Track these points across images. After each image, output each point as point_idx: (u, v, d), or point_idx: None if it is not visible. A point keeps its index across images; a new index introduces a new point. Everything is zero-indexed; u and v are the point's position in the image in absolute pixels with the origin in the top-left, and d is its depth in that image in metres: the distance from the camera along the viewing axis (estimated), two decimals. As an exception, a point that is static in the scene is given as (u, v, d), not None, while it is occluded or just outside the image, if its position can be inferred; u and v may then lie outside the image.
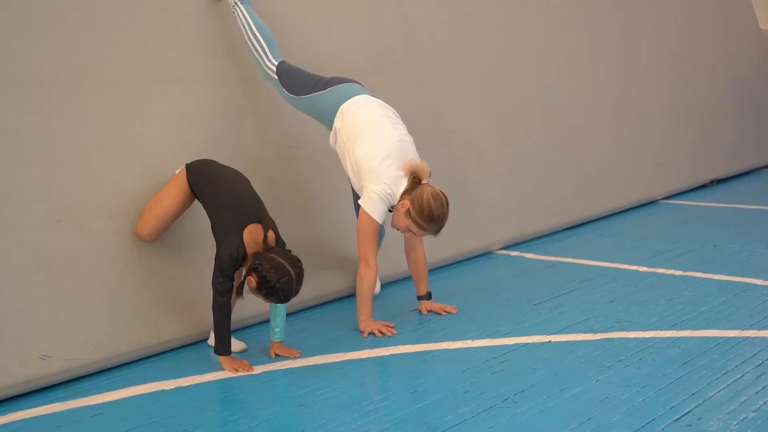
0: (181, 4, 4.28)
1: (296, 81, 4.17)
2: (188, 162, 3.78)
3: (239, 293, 3.48)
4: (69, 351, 3.47)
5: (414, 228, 3.84)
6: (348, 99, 4.02)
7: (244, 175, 3.79)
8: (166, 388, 3.38)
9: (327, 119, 4.11)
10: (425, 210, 3.77)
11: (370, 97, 4.07)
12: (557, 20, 6.62)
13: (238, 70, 4.43)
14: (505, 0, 6.19)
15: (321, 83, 4.12)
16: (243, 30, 4.27)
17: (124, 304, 3.70)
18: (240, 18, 4.27)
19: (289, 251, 3.50)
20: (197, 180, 3.70)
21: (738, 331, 3.78)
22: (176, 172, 3.81)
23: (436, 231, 3.87)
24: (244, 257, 3.46)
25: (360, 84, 4.17)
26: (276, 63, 4.20)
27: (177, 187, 3.74)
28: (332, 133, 4.08)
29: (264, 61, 4.22)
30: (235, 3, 4.29)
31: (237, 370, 3.50)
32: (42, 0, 3.79)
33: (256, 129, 4.43)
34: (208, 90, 4.28)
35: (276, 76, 4.19)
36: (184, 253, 3.93)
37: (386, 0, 5.28)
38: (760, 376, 3.28)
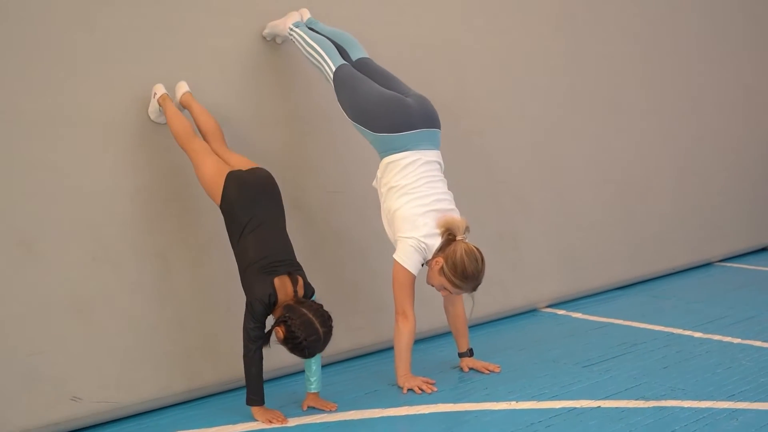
0: (230, 45, 4.37)
1: (350, 97, 4.10)
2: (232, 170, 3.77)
3: (265, 343, 3.49)
4: (100, 394, 3.51)
5: (449, 286, 3.85)
6: (393, 153, 3.97)
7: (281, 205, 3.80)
8: (197, 437, 3.41)
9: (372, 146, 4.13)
10: (459, 268, 3.78)
11: (418, 153, 3.97)
12: (615, 74, 6.63)
13: (282, 111, 4.51)
14: (559, 53, 6.22)
15: (377, 121, 4.00)
16: (300, 46, 4.28)
17: (156, 348, 3.74)
18: (296, 39, 4.29)
19: (321, 306, 3.51)
20: (229, 202, 3.67)
21: (800, 406, 3.71)
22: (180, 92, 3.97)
23: (472, 289, 3.87)
24: (275, 303, 3.49)
25: (424, 124, 4.03)
26: (334, 68, 4.16)
27: (213, 171, 3.76)
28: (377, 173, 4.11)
29: (325, 70, 4.19)
30: (291, 30, 4.31)
31: (271, 422, 3.51)
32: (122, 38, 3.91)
33: (298, 172, 4.48)
34: (252, 131, 4.35)
35: (332, 83, 4.16)
36: (219, 297, 3.97)
37: (438, 47, 5.35)
38: (824, 454, 3.21)
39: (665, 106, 7.05)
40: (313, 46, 4.22)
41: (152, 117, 3.99)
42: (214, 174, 3.74)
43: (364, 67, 4.26)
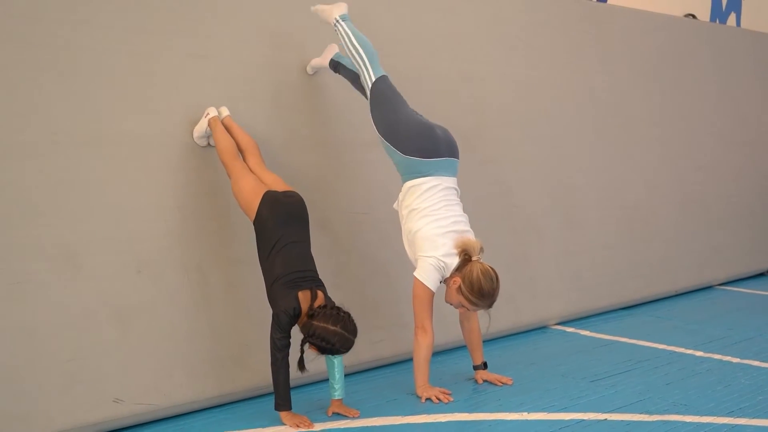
0: (264, 76, 4.42)
1: (385, 115, 4.07)
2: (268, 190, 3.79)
3: (301, 368, 3.52)
4: (139, 397, 3.54)
5: (466, 304, 3.86)
6: (416, 177, 3.99)
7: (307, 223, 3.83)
8: (228, 440, 3.43)
9: (396, 167, 4.12)
10: (476, 286, 3.79)
11: (439, 179, 3.98)
12: (623, 109, 6.64)
13: (312, 138, 4.54)
14: (571, 87, 6.24)
15: (407, 144, 3.97)
16: (343, 42, 4.22)
17: (192, 355, 3.77)
18: (341, 32, 4.23)
19: (327, 308, 3.53)
20: (263, 220, 3.70)
21: (796, 422, 3.69)
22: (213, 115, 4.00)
23: (488, 306, 3.88)
24: (299, 314, 3.53)
25: (448, 153, 4.04)
26: (374, 78, 4.13)
27: (250, 189, 3.80)
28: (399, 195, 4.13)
29: (365, 74, 4.15)
30: (337, 21, 4.26)
31: (298, 426, 3.52)
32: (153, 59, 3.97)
33: (326, 195, 4.51)
34: (284, 155, 4.38)
35: (369, 95, 4.12)
36: (250, 309, 3.99)
37: (457, 79, 5.38)
38: (820, 469, 3.19)
39: (669, 138, 7.04)
40: (357, 47, 4.16)
41: (196, 135, 4.04)
42: (251, 192, 3.78)
43: (387, 84, 4.21)
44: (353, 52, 4.18)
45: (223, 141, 3.95)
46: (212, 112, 4.04)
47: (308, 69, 4.58)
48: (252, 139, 4.09)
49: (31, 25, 3.68)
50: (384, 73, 4.17)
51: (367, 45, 4.19)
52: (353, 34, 4.20)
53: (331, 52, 4.49)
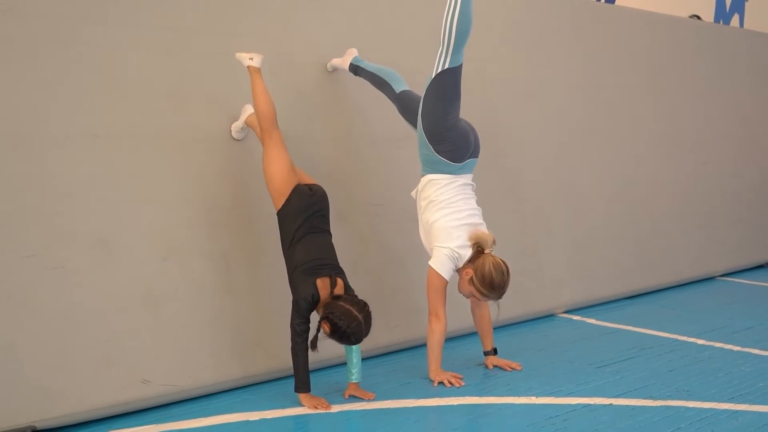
0: (287, 75, 4.42)
1: (438, 115, 3.91)
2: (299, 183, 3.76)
3: (313, 346, 3.49)
4: (167, 378, 3.56)
5: (477, 294, 3.86)
6: (436, 173, 3.97)
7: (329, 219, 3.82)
8: (250, 419, 3.43)
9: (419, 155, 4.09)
10: (487, 279, 3.78)
11: (457, 176, 3.97)
12: (629, 106, 6.61)
13: (329, 131, 4.53)
14: (579, 85, 6.21)
15: (444, 146, 3.91)
16: (371, 82, 4.41)
17: (216, 339, 3.78)
18: (361, 71, 4.43)
19: (356, 296, 3.54)
20: (287, 211, 3.68)
21: (795, 409, 3.66)
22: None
23: (498, 297, 3.87)
24: (318, 301, 3.52)
25: (472, 156, 4.03)
26: (397, 92, 4.27)
27: (283, 176, 3.72)
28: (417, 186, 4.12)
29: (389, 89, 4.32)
30: (356, 67, 4.44)
31: (316, 408, 3.53)
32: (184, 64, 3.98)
33: (345, 187, 4.50)
34: (306, 149, 4.36)
35: (424, 94, 3.97)
36: (272, 295, 3.99)
37: (469, 78, 5.35)
38: (817, 454, 3.17)
39: (673, 135, 7.00)
40: (379, 78, 4.36)
41: (235, 127, 4.07)
42: (283, 182, 3.69)
43: (405, 98, 4.26)
44: (378, 83, 4.37)
45: (265, 102, 3.72)
46: (256, 59, 3.75)
47: (328, 66, 4.59)
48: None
49: (72, 27, 3.69)
50: (406, 88, 4.28)
51: (384, 70, 4.35)
52: (373, 69, 4.39)
53: (351, 55, 4.49)
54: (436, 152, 3.95)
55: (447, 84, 3.89)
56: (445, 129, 3.92)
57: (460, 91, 3.95)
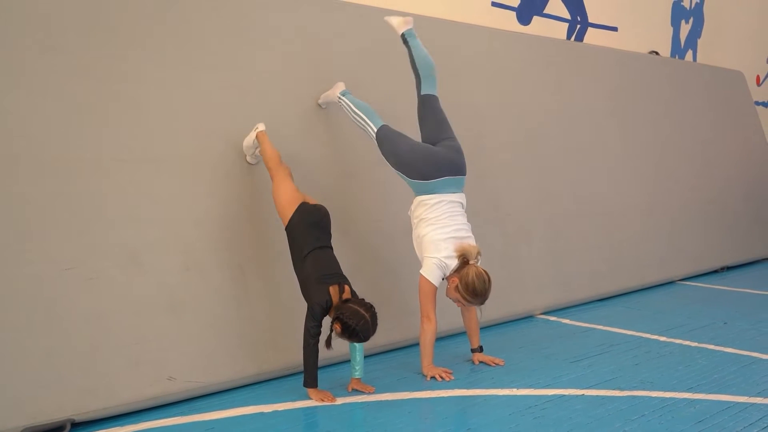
0: (293, 107, 4.43)
1: (390, 151, 4.06)
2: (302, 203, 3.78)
3: (328, 345, 3.47)
4: (190, 375, 3.55)
5: (462, 300, 3.85)
6: (425, 195, 3.98)
7: (331, 233, 3.81)
8: (264, 411, 3.41)
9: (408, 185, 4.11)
10: (470, 287, 3.78)
11: (444, 196, 3.97)
12: (599, 129, 6.63)
13: (334, 158, 4.53)
14: (556, 112, 6.23)
15: (412, 171, 3.98)
16: (347, 113, 4.28)
17: (234, 340, 3.77)
18: (344, 105, 4.30)
19: (363, 300, 3.54)
20: (293, 226, 3.70)
21: (746, 398, 3.64)
22: (259, 129, 3.97)
23: (480, 303, 3.86)
24: (331, 306, 3.52)
25: (449, 172, 4.00)
26: (376, 129, 4.15)
27: (289, 197, 3.77)
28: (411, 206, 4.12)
29: (368, 129, 4.19)
30: (339, 97, 4.34)
31: (322, 400, 3.52)
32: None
33: (346, 205, 4.50)
34: (311, 173, 4.36)
35: (376, 142, 4.14)
36: (284, 301, 3.98)
37: (457, 106, 5.37)
38: (766, 437, 3.16)
39: (638, 156, 7.01)
40: (357, 113, 4.23)
41: (245, 148, 4.06)
42: (289, 201, 3.76)
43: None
44: (356, 117, 4.24)
45: (270, 150, 3.94)
46: (261, 126, 4.03)
47: (320, 102, 4.54)
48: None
49: (104, 64, 3.71)
50: (383, 123, 4.18)
51: (365, 108, 4.24)
52: (353, 104, 4.27)
53: (339, 88, 4.45)
54: (410, 177, 4.00)
55: (384, 135, 4.09)
56: (400, 155, 4.01)
57: (398, 132, 4.10)
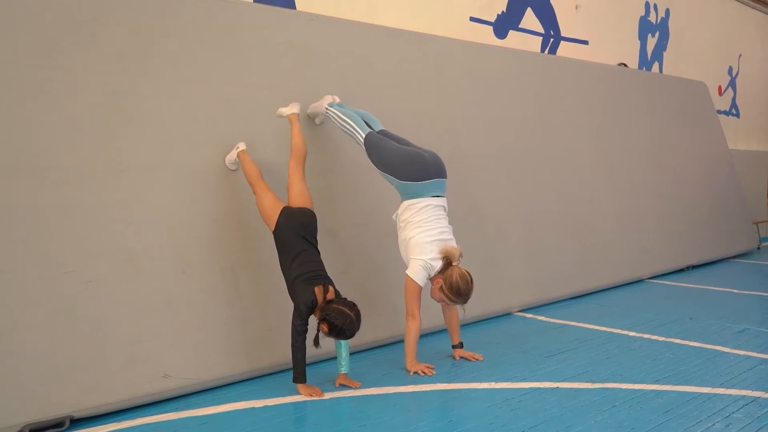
0: (281, 119, 4.43)
1: (380, 155, 4.07)
2: (286, 206, 3.79)
3: (316, 344, 3.48)
4: (184, 372, 3.53)
5: (446, 300, 3.87)
6: (412, 198, 3.98)
7: (317, 239, 3.80)
8: (256, 406, 3.41)
9: (396, 189, 4.12)
10: (454, 287, 3.79)
11: (430, 199, 3.97)
12: (573, 138, 6.67)
13: (321, 165, 4.53)
14: (532, 122, 6.26)
15: (401, 172, 3.97)
16: (336, 122, 4.28)
17: (227, 339, 3.76)
18: (331, 116, 4.30)
19: (346, 299, 3.55)
20: (280, 230, 3.70)
21: (710, 389, 3.68)
22: (239, 149, 3.97)
23: (463, 302, 3.88)
24: (316, 305, 3.52)
25: (437, 175, 4.00)
26: (364, 135, 4.15)
27: (271, 204, 3.78)
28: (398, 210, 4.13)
29: (356, 137, 4.19)
30: (327, 109, 4.35)
31: (311, 395, 3.51)
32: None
33: (333, 208, 4.51)
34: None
35: (364, 147, 4.16)
36: (273, 302, 3.98)
37: (439, 116, 5.40)
38: (728, 426, 3.19)
39: (608, 162, 7.06)
40: (345, 119, 4.24)
41: (227, 162, 4.05)
42: (272, 207, 3.79)
43: (386, 134, 4.28)
44: (344, 125, 4.24)
45: (249, 167, 3.95)
46: (241, 146, 4.04)
47: (309, 110, 4.52)
48: (304, 145, 4.06)
49: (103, 79, 3.69)
50: (370, 130, 4.18)
51: (352, 116, 4.24)
52: (341, 113, 4.27)
53: (327, 100, 4.45)
54: (399, 179, 3.99)
55: (371, 141, 4.10)
56: (388, 158, 4.01)
57: (384, 138, 4.11)
